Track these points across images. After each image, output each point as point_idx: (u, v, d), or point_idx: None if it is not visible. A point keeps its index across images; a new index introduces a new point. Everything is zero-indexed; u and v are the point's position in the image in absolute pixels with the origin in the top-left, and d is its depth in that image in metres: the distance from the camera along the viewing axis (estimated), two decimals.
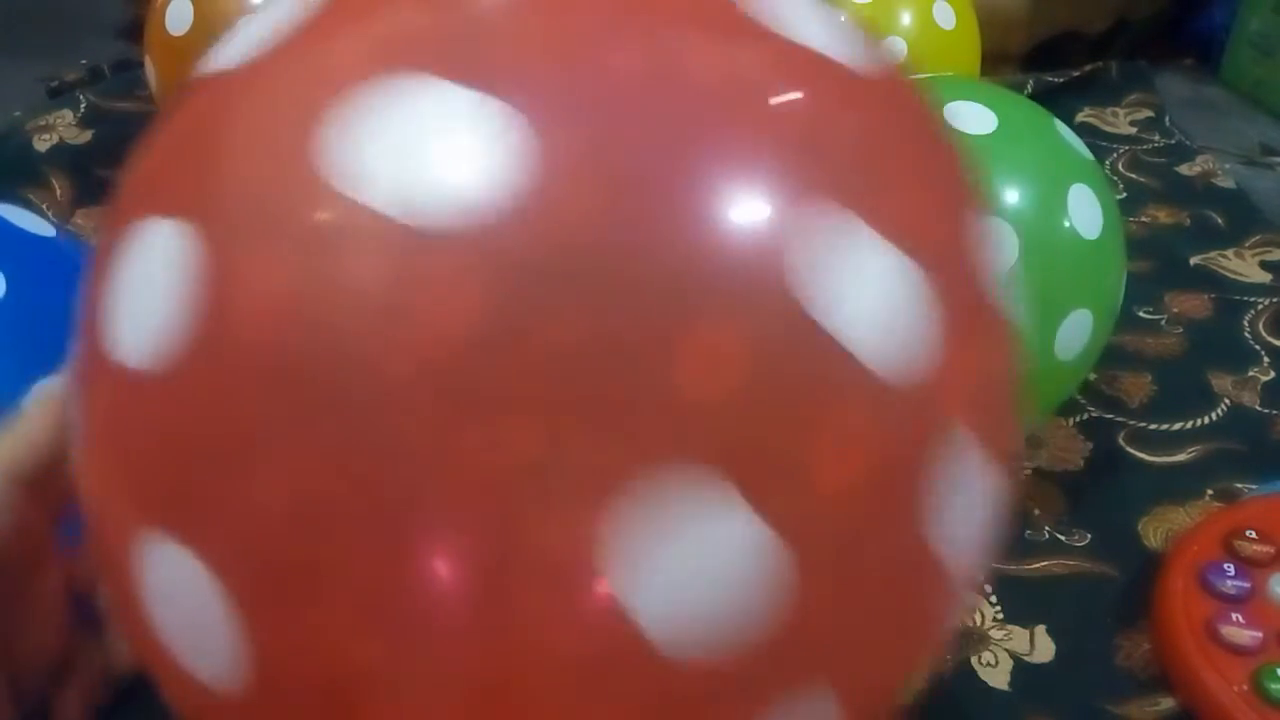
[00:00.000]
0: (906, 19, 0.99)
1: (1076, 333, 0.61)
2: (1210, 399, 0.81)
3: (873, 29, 0.99)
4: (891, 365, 0.21)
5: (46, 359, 0.52)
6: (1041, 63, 1.33)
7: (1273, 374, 0.84)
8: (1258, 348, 0.87)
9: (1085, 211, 0.60)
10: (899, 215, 0.22)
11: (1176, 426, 0.78)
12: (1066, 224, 0.60)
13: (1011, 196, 0.59)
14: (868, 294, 0.20)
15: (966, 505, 0.25)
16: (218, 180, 0.22)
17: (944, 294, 0.22)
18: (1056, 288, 0.60)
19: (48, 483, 0.32)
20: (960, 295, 0.23)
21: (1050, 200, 0.60)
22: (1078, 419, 0.79)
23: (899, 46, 0.98)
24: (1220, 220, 1.05)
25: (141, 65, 0.99)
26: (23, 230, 0.56)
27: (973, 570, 0.27)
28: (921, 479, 0.22)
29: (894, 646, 0.26)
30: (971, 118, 0.62)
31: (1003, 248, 0.55)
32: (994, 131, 0.61)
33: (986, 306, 0.25)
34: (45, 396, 0.35)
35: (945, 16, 1.01)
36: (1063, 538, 0.69)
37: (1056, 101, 1.28)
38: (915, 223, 0.22)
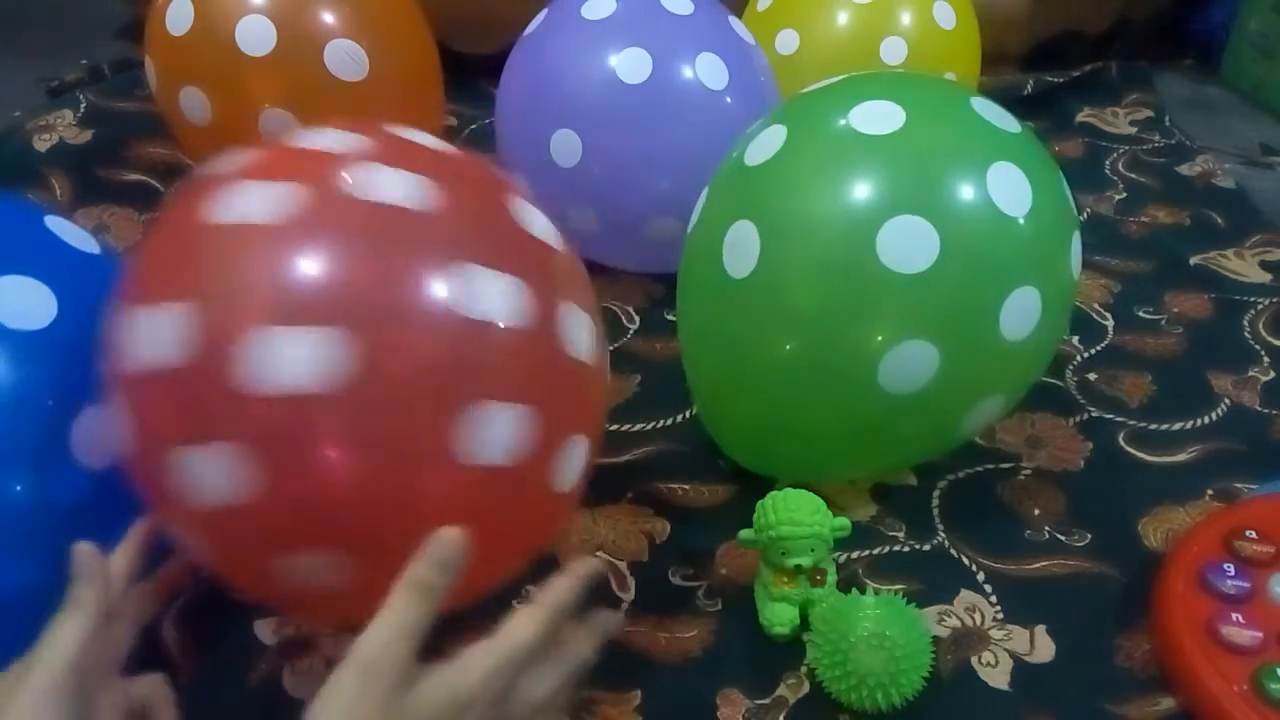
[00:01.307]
0: (907, 19, 0.99)
1: (1024, 312, 0.60)
2: (1210, 399, 0.81)
3: (874, 29, 0.99)
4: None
5: (92, 381, 0.52)
6: (1042, 62, 1.33)
7: (1273, 374, 0.84)
8: (1258, 347, 0.87)
9: (1009, 189, 0.59)
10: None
11: (1176, 426, 0.78)
12: (988, 205, 0.58)
13: (925, 188, 0.59)
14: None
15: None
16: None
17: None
18: (988, 270, 0.59)
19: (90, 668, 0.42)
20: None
21: (966, 184, 0.59)
22: (1078, 419, 0.79)
23: (899, 46, 0.98)
24: (1220, 220, 1.05)
25: (141, 65, 0.99)
26: (73, 248, 0.57)
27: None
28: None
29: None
30: (876, 118, 0.61)
31: (923, 242, 0.57)
32: (900, 128, 0.60)
33: None
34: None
35: (945, 16, 1.01)
36: (1063, 538, 0.69)
37: (1056, 101, 1.28)
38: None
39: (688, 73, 0.82)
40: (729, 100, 0.84)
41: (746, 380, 0.66)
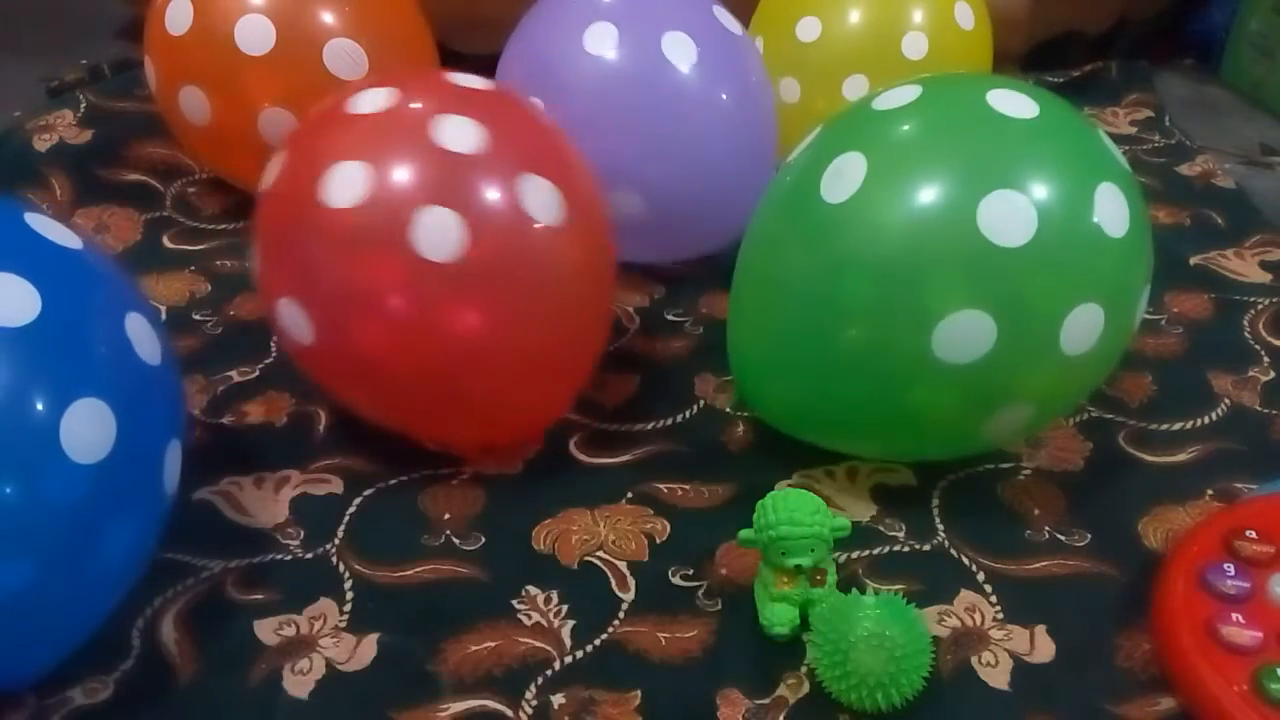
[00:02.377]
0: (930, 18, 0.98)
1: (1087, 328, 0.61)
2: (1210, 399, 0.81)
3: (898, 23, 0.99)
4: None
5: (79, 376, 0.52)
6: (1042, 62, 1.33)
7: (1273, 374, 0.84)
8: (1258, 347, 0.87)
9: (1112, 210, 0.61)
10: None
11: (1176, 426, 0.78)
12: (1089, 211, 0.60)
13: (1040, 172, 0.60)
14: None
15: None
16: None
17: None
18: (1072, 270, 0.60)
19: None
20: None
21: (1079, 185, 0.60)
22: (1078, 419, 0.79)
23: (920, 41, 0.98)
24: (1220, 220, 1.05)
25: (141, 65, 0.99)
26: (54, 244, 0.56)
27: None
28: None
29: None
30: (1012, 103, 0.63)
31: (1021, 220, 0.59)
32: (1032, 118, 0.62)
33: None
34: None
35: (966, 18, 1.01)
36: (1063, 538, 0.69)
37: None
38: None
39: (654, 48, 0.83)
40: (695, 77, 0.84)
41: (796, 315, 0.66)
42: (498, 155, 0.64)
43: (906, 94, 0.66)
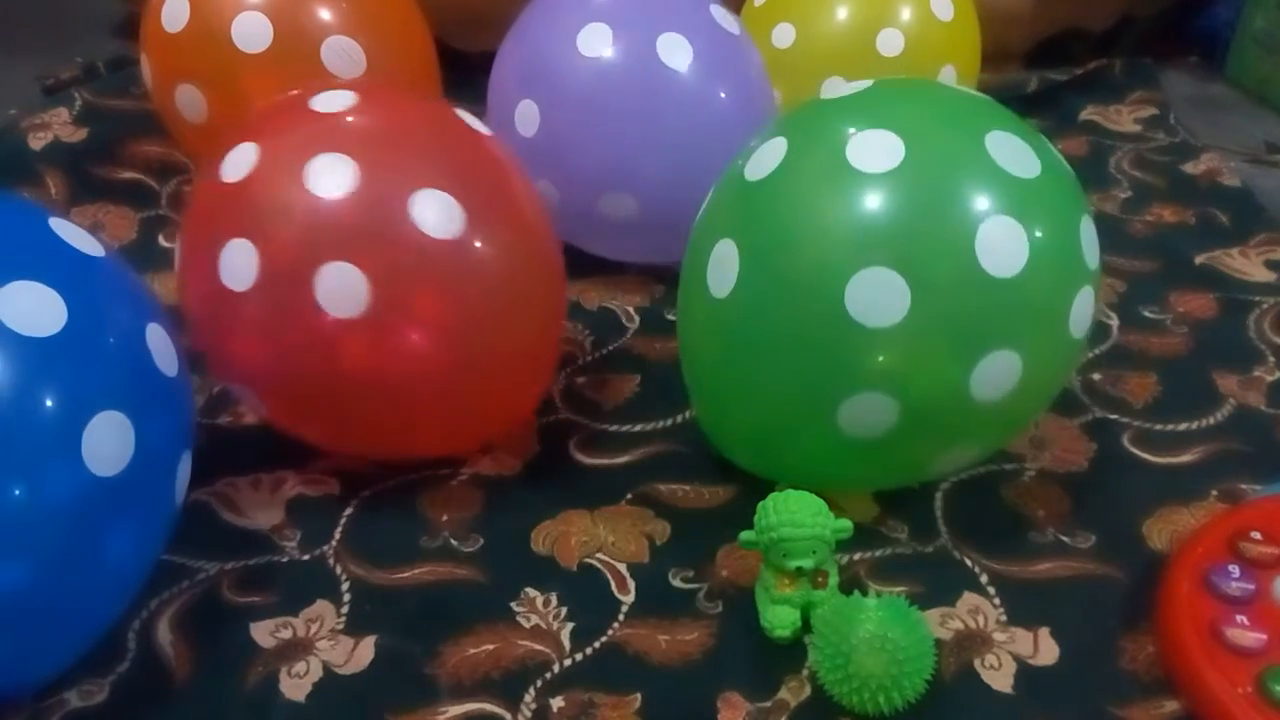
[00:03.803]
0: (903, 11, 0.98)
1: (999, 375, 0.58)
2: (1215, 399, 0.81)
3: (870, 21, 0.98)
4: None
5: (102, 388, 0.52)
6: (1045, 60, 1.33)
7: (1278, 373, 0.83)
8: (1263, 347, 0.86)
9: (1001, 248, 0.56)
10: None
11: (1181, 427, 0.78)
12: (971, 266, 0.55)
13: (905, 240, 0.56)
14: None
15: None
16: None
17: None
18: (960, 333, 0.57)
19: None
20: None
21: (953, 240, 0.56)
22: (1082, 420, 0.78)
23: (896, 39, 0.97)
24: (1225, 219, 1.04)
25: (137, 63, 0.99)
26: (79, 252, 0.56)
27: None
28: None
29: None
30: (874, 152, 0.58)
31: (893, 298, 0.55)
32: (895, 167, 0.57)
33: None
34: None
35: (943, 8, 1.00)
36: (1067, 540, 0.68)
37: (1060, 99, 1.28)
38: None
39: (648, 49, 0.83)
40: (689, 78, 0.83)
41: (725, 393, 0.67)
42: (376, 183, 0.62)
43: (774, 154, 0.62)
